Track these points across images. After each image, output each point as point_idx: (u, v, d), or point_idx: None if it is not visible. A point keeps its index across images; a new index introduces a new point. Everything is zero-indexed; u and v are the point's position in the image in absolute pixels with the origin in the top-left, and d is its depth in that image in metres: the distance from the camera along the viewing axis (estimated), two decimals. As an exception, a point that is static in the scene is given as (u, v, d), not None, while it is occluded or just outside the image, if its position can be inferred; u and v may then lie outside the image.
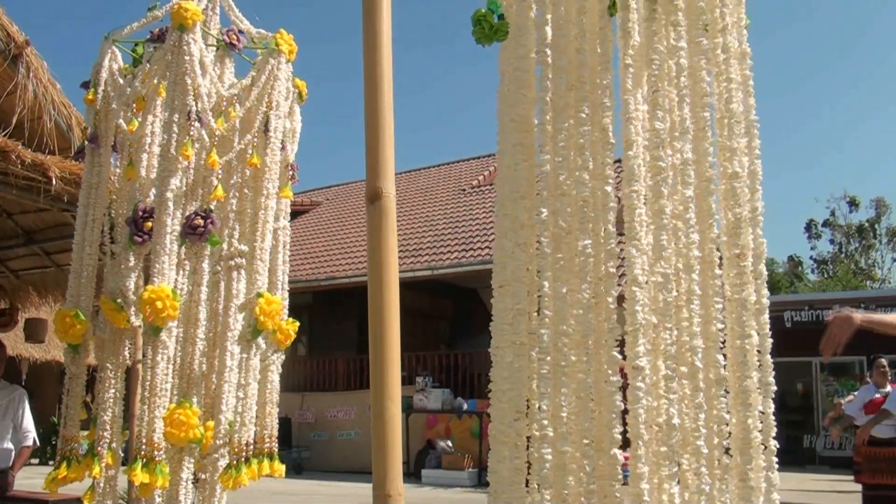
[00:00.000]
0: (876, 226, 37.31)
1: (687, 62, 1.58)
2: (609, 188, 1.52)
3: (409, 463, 13.87)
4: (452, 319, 18.55)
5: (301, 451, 14.95)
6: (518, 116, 1.60)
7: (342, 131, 74.62)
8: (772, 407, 1.62)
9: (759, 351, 1.61)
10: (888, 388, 7.43)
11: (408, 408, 14.16)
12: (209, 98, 2.54)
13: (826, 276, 37.36)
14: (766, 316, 1.63)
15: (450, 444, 14.09)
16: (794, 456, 18.11)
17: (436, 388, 14.44)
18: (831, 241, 38.49)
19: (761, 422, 1.59)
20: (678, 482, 1.47)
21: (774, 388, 1.63)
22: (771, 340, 1.64)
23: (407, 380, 14.72)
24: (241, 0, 2.86)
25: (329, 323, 16.99)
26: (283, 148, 2.74)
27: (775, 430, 1.63)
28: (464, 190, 19.45)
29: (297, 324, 2.70)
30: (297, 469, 14.25)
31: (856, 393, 7.33)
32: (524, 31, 1.61)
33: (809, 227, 39.22)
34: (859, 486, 8.33)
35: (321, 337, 17.29)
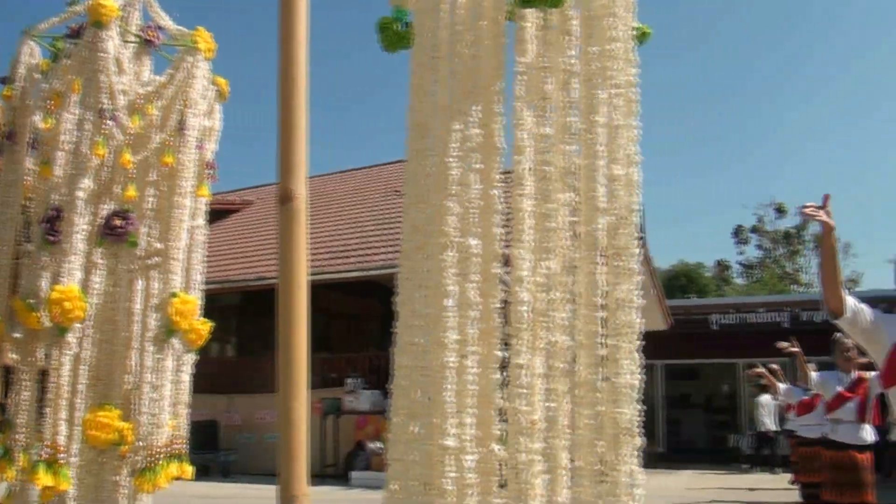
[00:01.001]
0: (802, 232, 38.53)
1: (577, 69, 1.64)
2: (495, 192, 1.57)
3: (339, 465, 13.83)
4: (382, 320, 18.52)
5: (228, 454, 14.74)
6: (418, 122, 1.64)
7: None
8: (636, 406, 1.68)
9: (631, 349, 1.67)
10: (854, 374, 7.16)
11: (337, 409, 14.10)
12: (125, 95, 2.51)
13: (753, 280, 38.45)
14: (636, 315, 1.68)
15: (380, 445, 14.05)
16: (719, 455, 18.65)
17: (366, 390, 14.40)
18: (759, 247, 39.68)
19: (631, 419, 1.65)
20: (555, 477, 1.53)
21: (638, 385, 1.69)
22: (640, 342, 1.69)
23: (337, 381, 14.66)
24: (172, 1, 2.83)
25: (260, 323, 16.78)
26: (200, 146, 2.71)
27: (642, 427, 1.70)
28: (396, 191, 19.46)
29: (211, 324, 2.68)
30: (224, 472, 14.06)
31: (820, 373, 7.10)
32: (423, 38, 1.66)
33: (738, 232, 40.34)
34: (783, 484, 8.64)
35: (251, 338, 17.08)
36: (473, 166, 1.58)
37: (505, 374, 1.54)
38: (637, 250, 1.70)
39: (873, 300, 3.08)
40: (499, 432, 1.52)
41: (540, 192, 1.57)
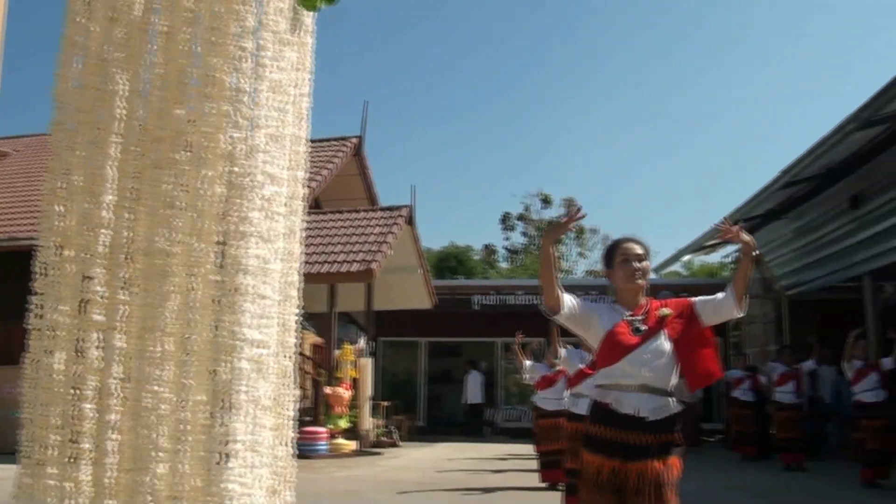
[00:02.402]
0: (564, 222, 41.25)
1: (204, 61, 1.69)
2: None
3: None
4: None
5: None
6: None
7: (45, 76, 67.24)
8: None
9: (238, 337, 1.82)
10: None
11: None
12: None
13: (516, 265, 40.68)
14: (244, 300, 1.79)
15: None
16: (476, 427, 19.67)
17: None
18: (524, 234, 42.01)
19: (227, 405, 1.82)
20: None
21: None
22: (260, 335, 1.84)
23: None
24: None
25: (8, 287, 15.33)
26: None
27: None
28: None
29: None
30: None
31: (568, 350, 7.64)
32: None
33: (505, 219, 42.42)
34: (535, 453, 9.33)
35: (-1, 303, 15.57)
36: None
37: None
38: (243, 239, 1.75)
39: (652, 288, 3.48)
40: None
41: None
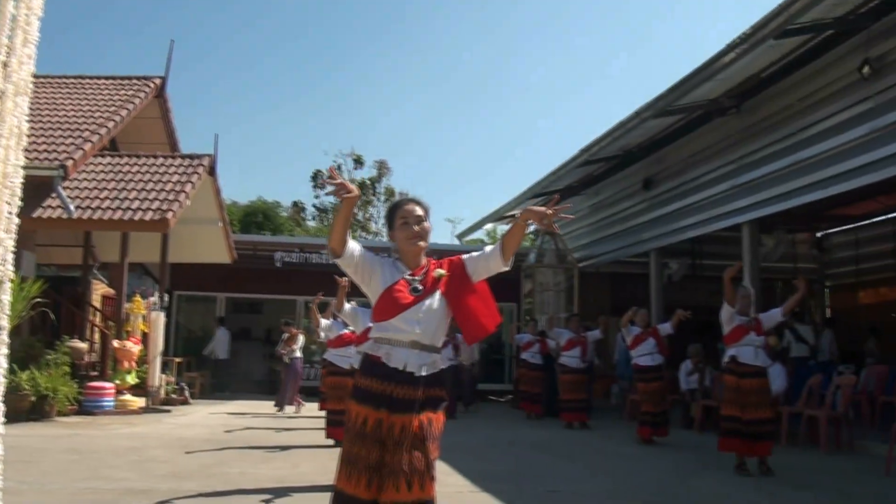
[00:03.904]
0: (376, 184, 41.28)
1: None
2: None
3: None
4: None
5: None
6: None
7: None
8: None
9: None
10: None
11: None
12: None
13: (325, 223, 40.31)
14: None
15: None
16: (274, 385, 19.40)
17: None
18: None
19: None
20: None
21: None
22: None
23: None
24: None
25: None
26: None
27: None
28: None
29: None
30: None
31: (353, 307, 7.69)
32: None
33: (315, 177, 41.84)
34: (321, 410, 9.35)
35: None
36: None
37: None
38: None
39: (428, 253, 3.48)
40: None
41: None
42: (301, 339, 14.98)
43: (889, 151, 9.19)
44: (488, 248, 3.38)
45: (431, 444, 3.14)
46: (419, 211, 3.41)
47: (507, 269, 3.39)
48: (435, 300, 3.31)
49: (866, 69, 9.35)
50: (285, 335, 14.83)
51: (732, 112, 12.52)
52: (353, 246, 3.29)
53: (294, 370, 14.70)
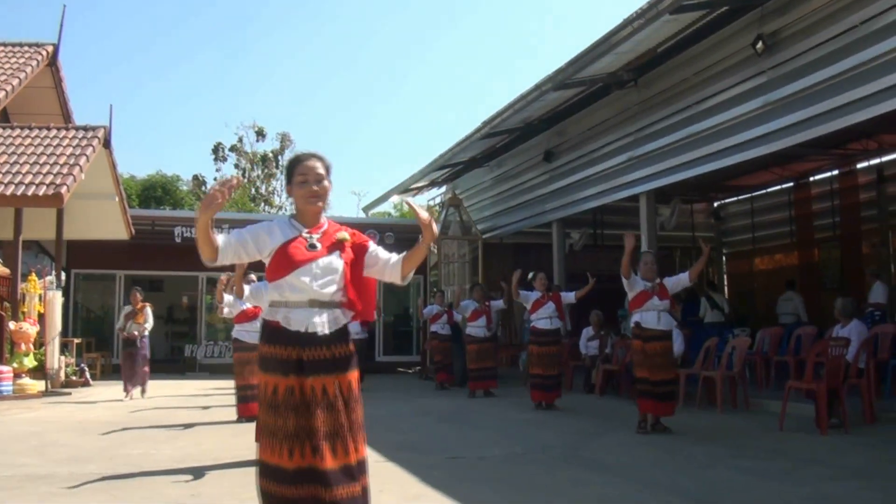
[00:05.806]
0: (279, 157, 40.62)
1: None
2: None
3: None
4: None
5: None
6: None
7: None
8: None
9: None
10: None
11: None
12: None
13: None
14: None
15: None
16: (177, 364, 19.06)
17: None
18: (236, 166, 40.74)
19: None
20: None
21: None
22: None
23: None
24: None
25: None
26: None
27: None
28: None
29: None
30: None
31: (255, 284, 7.76)
32: None
33: (217, 150, 40.86)
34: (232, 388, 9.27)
35: None
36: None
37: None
38: None
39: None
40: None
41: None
42: (149, 311, 12.97)
43: (782, 124, 9.66)
44: (393, 258, 3.32)
45: (354, 402, 3.10)
46: (320, 169, 3.24)
47: (401, 284, 3.36)
48: (335, 258, 3.19)
49: (760, 45, 9.78)
50: (127, 308, 13.05)
51: (631, 85, 12.88)
52: (224, 239, 3.12)
53: (144, 351, 12.76)
